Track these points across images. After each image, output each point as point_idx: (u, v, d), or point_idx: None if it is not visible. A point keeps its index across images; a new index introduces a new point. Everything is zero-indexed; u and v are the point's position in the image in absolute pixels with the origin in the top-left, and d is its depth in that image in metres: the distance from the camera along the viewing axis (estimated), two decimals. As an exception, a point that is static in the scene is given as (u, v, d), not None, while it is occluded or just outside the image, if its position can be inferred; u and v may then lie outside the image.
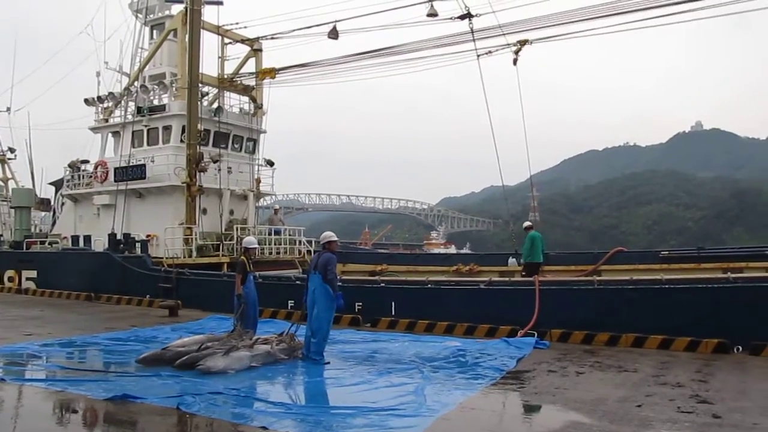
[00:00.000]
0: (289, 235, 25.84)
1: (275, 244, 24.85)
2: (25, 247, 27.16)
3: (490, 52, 20.35)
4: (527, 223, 20.56)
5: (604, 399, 8.50)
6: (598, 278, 15.71)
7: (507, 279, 17.56)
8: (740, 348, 11.91)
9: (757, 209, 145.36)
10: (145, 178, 24.11)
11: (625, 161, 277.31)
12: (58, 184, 30.06)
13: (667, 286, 13.38)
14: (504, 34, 19.70)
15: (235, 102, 27.45)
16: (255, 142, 27.84)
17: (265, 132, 28.01)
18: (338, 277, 11.83)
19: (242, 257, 13.25)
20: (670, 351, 12.13)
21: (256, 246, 14.20)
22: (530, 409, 8.50)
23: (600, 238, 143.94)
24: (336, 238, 12.00)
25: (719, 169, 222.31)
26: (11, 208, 32.34)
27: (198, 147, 23.00)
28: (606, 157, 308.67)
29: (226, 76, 26.49)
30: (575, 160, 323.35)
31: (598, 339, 13.00)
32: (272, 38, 25.79)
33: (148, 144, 25.36)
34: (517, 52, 20.03)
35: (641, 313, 13.17)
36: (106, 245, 23.44)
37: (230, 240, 23.56)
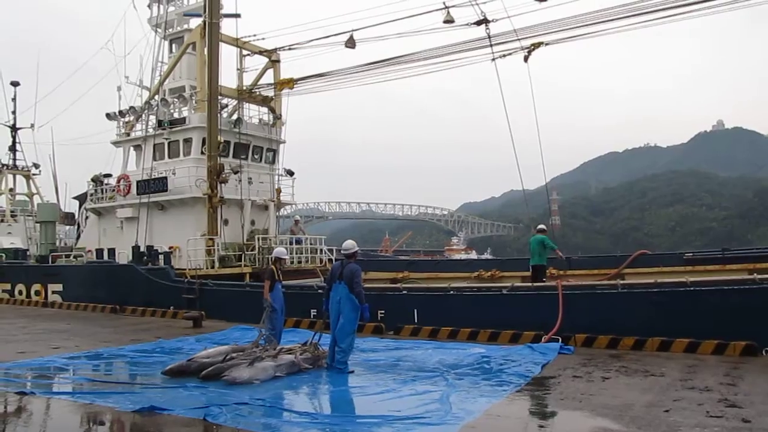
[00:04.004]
0: (310, 244, 25.92)
1: (296, 254, 24.94)
2: (50, 261, 27.50)
3: (504, 55, 20.36)
4: (539, 227, 20.32)
5: (631, 404, 8.42)
6: (621, 282, 15.57)
7: (530, 284, 17.45)
8: (769, 350, 11.75)
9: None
10: (167, 190, 24.32)
11: (646, 162, 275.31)
12: (81, 199, 30.42)
13: (692, 289, 13.24)
14: (519, 39, 19.70)
15: (254, 113, 27.60)
16: (275, 152, 27.99)
17: (284, 142, 28.16)
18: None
19: (272, 266, 13.34)
20: (697, 354, 11.99)
21: (287, 257, 14.30)
22: (556, 415, 8.44)
23: (622, 241, 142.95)
24: (357, 249, 12.03)
25: (742, 168, 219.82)
26: (36, 222, 32.80)
27: (218, 158, 23.19)
28: (626, 159, 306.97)
29: (245, 88, 26.68)
30: (595, 162, 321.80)
31: (624, 343, 12.89)
32: (290, 49, 25.93)
33: (170, 157, 25.59)
34: (529, 53, 20.05)
35: (667, 317, 13.03)
36: (130, 258, 23.70)
37: (252, 250, 23.69)
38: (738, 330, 12.06)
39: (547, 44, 20.01)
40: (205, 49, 23.85)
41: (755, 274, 13.68)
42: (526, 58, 20.10)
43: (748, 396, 8.73)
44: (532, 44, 19.92)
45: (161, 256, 23.17)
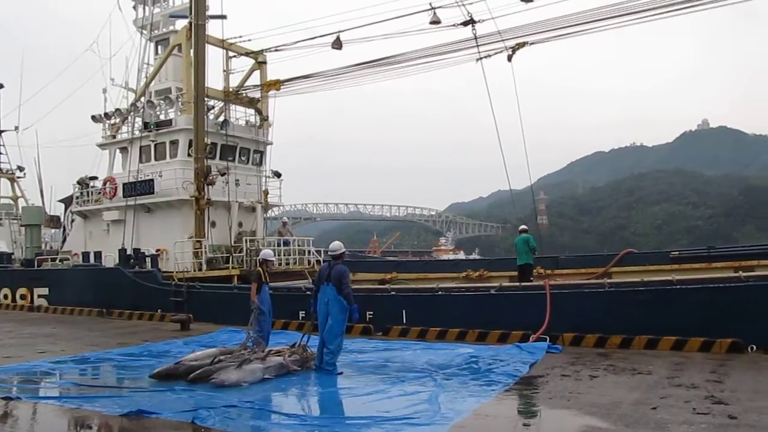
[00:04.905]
0: (298, 245, 25.85)
1: (284, 255, 24.87)
2: (36, 265, 27.27)
3: (489, 55, 20.47)
4: (521, 227, 20.39)
5: (619, 402, 8.47)
6: (608, 280, 15.66)
7: (517, 284, 17.50)
8: (754, 347, 11.86)
9: (766, 206, 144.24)
10: (153, 192, 24.18)
11: (632, 162, 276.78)
12: (67, 201, 30.22)
13: (678, 287, 13.33)
14: (503, 40, 19.82)
15: (241, 115, 27.54)
16: (262, 153, 27.91)
17: (271, 143, 28.06)
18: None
19: (259, 268, 13.33)
20: (684, 352, 12.09)
21: (273, 259, 14.33)
22: (545, 414, 8.48)
23: (609, 240, 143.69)
24: (344, 250, 12.02)
25: (727, 167, 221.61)
26: (21, 226, 32.53)
27: (205, 160, 23.09)
28: (613, 158, 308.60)
29: (231, 89, 26.59)
30: (582, 161, 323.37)
31: (611, 342, 12.97)
32: (276, 50, 25.94)
33: (156, 159, 25.46)
34: (513, 53, 20.21)
35: (653, 315, 13.12)
36: (117, 261, 23.54)
37: (240, 252, 23.60)
38: (724, 327, 12.16)
39: (531, 44, 20.21)
40: (191, 51, 23.76)
41: (741, 272, 13.79)
42: (509, 58, 20.29)
43: (734, 393, 8.80)
44: (516, 44, 20.08)
45: (148, 259, 23.01)
